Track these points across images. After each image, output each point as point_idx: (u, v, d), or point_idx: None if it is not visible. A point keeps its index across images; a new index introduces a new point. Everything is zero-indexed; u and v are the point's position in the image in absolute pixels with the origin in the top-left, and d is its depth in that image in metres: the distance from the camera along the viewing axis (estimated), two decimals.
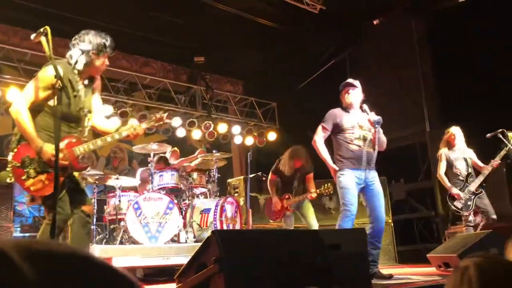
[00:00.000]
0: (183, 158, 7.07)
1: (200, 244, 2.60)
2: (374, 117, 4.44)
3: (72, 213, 3.12)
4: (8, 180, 3.01)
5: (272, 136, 9.92)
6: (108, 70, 5.39)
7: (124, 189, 6.12)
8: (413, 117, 8.86)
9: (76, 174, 3.27)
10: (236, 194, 7.26)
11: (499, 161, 5.74)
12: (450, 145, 5.91)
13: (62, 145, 2.98)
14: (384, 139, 4.52)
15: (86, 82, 3.24)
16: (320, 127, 4.54)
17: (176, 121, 8.80)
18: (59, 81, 2.73)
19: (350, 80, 4.64)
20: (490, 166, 5.66)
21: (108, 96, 7.77)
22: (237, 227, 6.10)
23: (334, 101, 4.72)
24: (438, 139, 8.58)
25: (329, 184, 5.60)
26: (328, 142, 4.59)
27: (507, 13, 6.70)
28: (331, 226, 5.92)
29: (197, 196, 6.43)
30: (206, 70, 9.38)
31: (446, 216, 8.38)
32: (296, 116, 9.21)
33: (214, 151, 6.68)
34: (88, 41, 3.13)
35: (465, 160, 5.81)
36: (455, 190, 5.66)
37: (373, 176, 4.44)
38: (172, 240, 5.59)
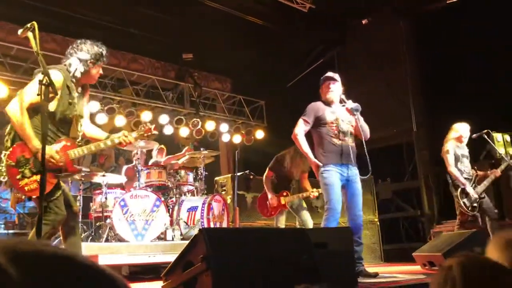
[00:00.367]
0: (170, 156, 7.04)
1: (187, 242, 2.59)
2: (351, 104, 4.35)
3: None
4: (1, 179, 3.01)
5: (260, 134, 9.93)
6: None
7: (110, 186, 6.07)
8: (400, 117, 8.94)
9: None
10: (223, 192, 7.26)
11: (500, 173, 5.77)
12: (457, 141, 5.79)
13: (57, 147, 3.12)
14: (366, 127, 4.41)
15: (79, 90, 3.38)
16: (301, 120, 4.39)
17: (164, 118, 8.76)
18: (46, 77, 2.71)
19: (330, 74, 4.53)
20: (493, 175, 5.68)
21: (95, 92, 7.70)
22: (224, 225, 6.10)
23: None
24: (424, 139, 8.72)
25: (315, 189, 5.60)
26: (307, 138, 4.44)
27: (494, 14, 6.79)
28: (318, 225, 5.94)
29: (184, 194, 6.41)
30: (195, 67, 9.35)
31: (431, 215, 8.48)
32: (284, 115, 9.21)
33: (201, 149, 6.66)
34: (86, 50, 3.27)
35: (467, 158, 5.78)
36: (469, 189, 5.58)
37: (355, 174, 4.33)
38: (159, 238, 5.57)
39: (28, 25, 2.80)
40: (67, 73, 3.20)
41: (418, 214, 8.71)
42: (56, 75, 3.06)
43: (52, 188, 3.06)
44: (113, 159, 9.80)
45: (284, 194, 5.94)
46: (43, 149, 2.63)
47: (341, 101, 4.43)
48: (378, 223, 7.61)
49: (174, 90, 9.27)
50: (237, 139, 9.83)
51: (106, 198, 5.83)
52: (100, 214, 5.78)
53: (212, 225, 5.84)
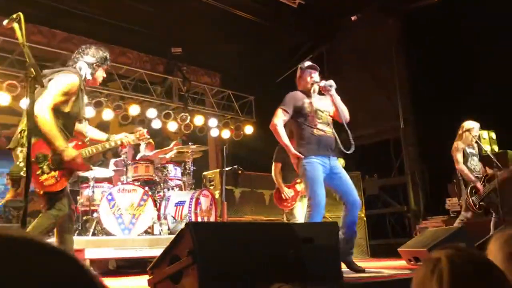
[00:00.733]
0: (158, 150, 7.02)
1: (174, 236, 2.59)
2: (324, 82, 4.17)
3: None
4: (22, 174, 3.07)
5: (249, 129, 9.93)
6: None
7: (97, 180, 6.03)
8: (387, 114, 9.01)
9: None
10: (211, 187, 7.25)
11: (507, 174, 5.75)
12: (466, 140, 5.75)
13: (70, 146, 3.33)
14: (344, 107, 4.22)
15: None
16: (280, 110, 4.20)
17: (152, 113, 8.71)
18: (32, 69, 2.68)
19: (310, 63, 4.37)
20: (501, 176, 5.62)
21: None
22: (212, 220, 6.10)
23: None
24: (411, 136, 8.80)
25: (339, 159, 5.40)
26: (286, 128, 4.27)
27: (482, 12, 6.84)
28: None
29: (172, 188, 6.40)
30: (183, 61, 9.30)
31: (417, 211, 8.57)
32: (274, 110, 9.17)
33: (190, 144, 6.65)
34: (91, 54, 3.50)
35: (477, 156, 5.77)
36: (479, 186, 5.57)
37: (337, 163, 4.16)
38: (146, 232, 5.56)
39: (14, 16, 2.76)
40: (80, 76, 3.41)
41: (404, 210, 8.80)
42: (74, 78, 3.30)
43: (65, 185, 3.27)
44: (101, 153, 9.73)
45: (298, 181, 5.55)
46: (29, 144, 2.61)
47: (314, 82, 4.22)
48: (365, 218, 7.66)
49: (163, 84, 9.20)
50: (226, 134, 9.82)
51: (93, 192, 5.79)
52: (87, 208, 5.75)
53: (199, 220, 5.84)
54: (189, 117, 9.13)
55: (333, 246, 3.00)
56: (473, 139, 5.78)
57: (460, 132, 5.82)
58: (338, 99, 4.18)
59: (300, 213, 5.47)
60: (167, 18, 8.21)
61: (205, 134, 9.74)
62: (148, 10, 7.95)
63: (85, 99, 3.60)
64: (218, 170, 7.60)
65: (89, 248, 4.81)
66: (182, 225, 5.55)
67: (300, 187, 5.54)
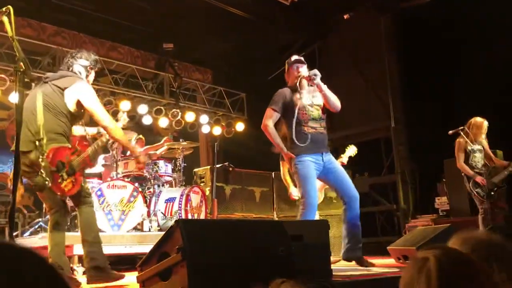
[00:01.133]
0: (148, 146, 6.98)
1: (163, 233, 2.58)
2: (308, 72, 4.08)
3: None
4: (47, 184, 3.17)
5: (240, 126, 9.91)
6: None
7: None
8: (378, 113, 9.04)
9: None
10: (202, 184, 7.24)
11: None
12: (476, 136, 5.72)
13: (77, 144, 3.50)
14: (333, 95, 4.11)
15: None
16: (269, 110, 4.15)
17: (143, 108, 8.66)
18: (21, 63, 2.65)
19: (296, 57, 4.29)
20: (510, 167, 5.67)
21: None
22: (202, 216, 6.09)
23: None
24: (402, 135, 8.84)
25: (350, 145, 5.26)
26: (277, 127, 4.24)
27: (474, 11, 6.87)
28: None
29: (163, 185, 6.37)
30: (175, 57, 9.25)
31: (407, 210, 8.62)
32: (265, 108, 9.13)
33: (181, 140, 6.62)
34: (85, 57, 3.66)
35: (480, 151, 5.75)
36: (479, 178, 5.57)
37: (330, 158, 4.10)
38: (136, 229, 5.53)
39: (3, 9, 2.72)
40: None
41: (394, 208, 8.85)
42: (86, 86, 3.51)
43: (81, 183, 3.42)
44: None
45: None
46: (17, 148, 2.56)
47: (300, 75, 4.11)
48: None
49: (154, 80, 9.15)
50: (217, 131, 9.79)
51: None
52: None
53: (190, 217, 5.82)
54: (180, 114, 9.09)
55: (322, 244, 3.00)
56: (483, 133, 5.73)
57: (465, 129, 5.74)
58: (324, 87, 4.07)
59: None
60: (159, 14, 8.16)
61: (196, 131, 9.70)
62: (140, 5, 7.89)
63: None
64: (208, 167, 7.58)
65: (77, 244, 4.77)
66: (172, 222, 5.53)
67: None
